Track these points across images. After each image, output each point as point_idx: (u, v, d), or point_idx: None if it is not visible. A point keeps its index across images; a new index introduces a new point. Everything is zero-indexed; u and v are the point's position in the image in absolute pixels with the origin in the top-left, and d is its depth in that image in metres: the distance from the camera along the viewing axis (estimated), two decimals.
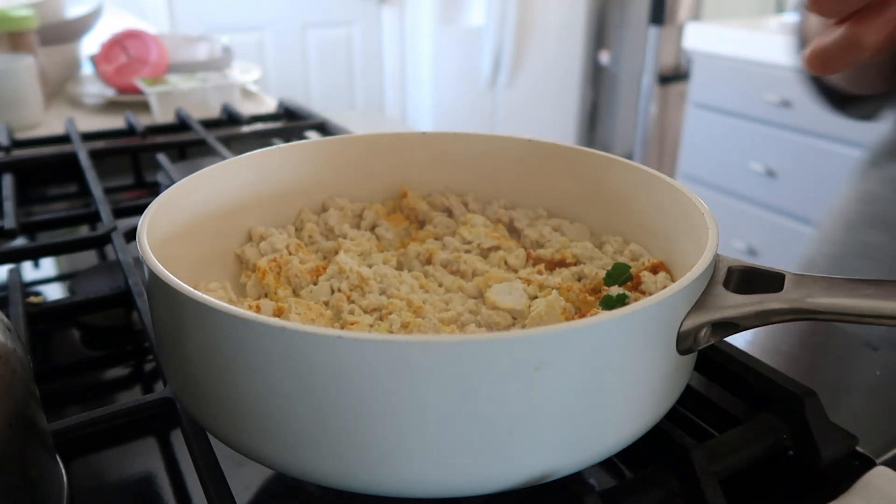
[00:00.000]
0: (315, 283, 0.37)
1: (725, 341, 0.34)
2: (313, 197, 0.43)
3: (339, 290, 0.36)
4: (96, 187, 0.58)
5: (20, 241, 0.53)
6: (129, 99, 1.00)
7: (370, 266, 0.38)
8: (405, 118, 2.91)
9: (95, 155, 0.68)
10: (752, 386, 0.33)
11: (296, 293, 0.37)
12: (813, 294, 0.27)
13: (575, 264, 0.38)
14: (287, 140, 0.75)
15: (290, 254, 0.39)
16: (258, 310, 0.34)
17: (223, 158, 0.52)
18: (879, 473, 0.31)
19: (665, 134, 2.42)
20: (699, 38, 1.87)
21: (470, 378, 0.23)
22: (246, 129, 0.83)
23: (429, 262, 0.39)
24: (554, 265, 0.38)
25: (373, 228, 0.43)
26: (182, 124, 0.83)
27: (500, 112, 2.80)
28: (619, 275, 0.35)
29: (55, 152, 0.70)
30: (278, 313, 0.34)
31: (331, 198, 0.43)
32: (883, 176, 0.60)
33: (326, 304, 0.36)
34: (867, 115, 0.60)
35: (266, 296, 0.37)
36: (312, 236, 0.41)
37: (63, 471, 0.31)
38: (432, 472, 0.24)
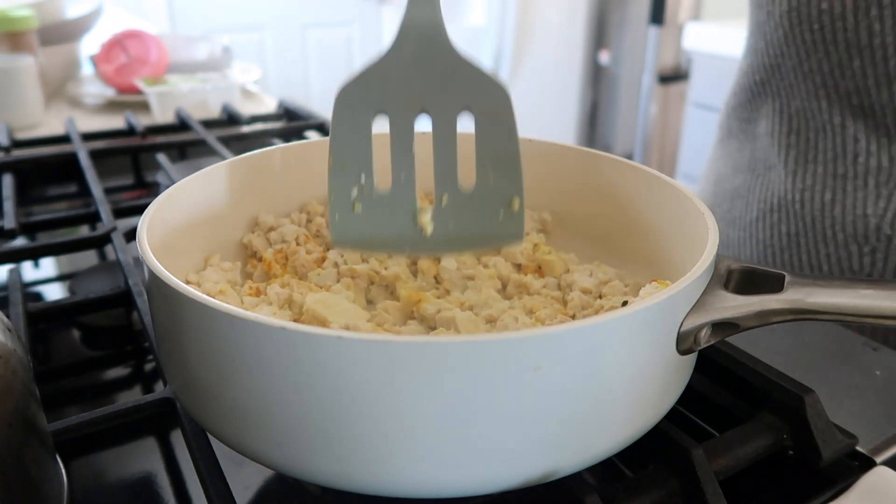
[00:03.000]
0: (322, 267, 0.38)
1: (725, 341, 0.34)
2: (314, 196, 0.43)
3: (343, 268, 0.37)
4: (96, 187, 0.58)
5: (20, 241, 0.53)
6: (129, 99, 1.00)
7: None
8: None
9: (95, 155, 0.68)
10: (752, 386, 0.33)
11: (302, 280, 0.38)
12: (813, 294, 0.27)
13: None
14: (287, 140, 0.75)
15: (297, 244, 0.39)
16: (258, 293, 0.35)
17: (223, 159, 0.52)
18: (879, 473, 0.31)
19: (665, 134, 2.42)
20: (699, 38, 1.87)
21: (470, 378, 0.23)
22: (246, 129, 0.83)
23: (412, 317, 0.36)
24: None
25: None
26: (182, 124, 0.83)
27: None
28: None
29: (55, 152, 0.70)
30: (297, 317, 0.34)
31: None
32: (724, 151, 0.71)
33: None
34: None
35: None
36: (320, 230, 0.41)
37: (63, 471, 0.31)
38: (432, 472, 0.24)
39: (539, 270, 0.39)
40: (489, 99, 0.32)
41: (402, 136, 0.32)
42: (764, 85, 0.63)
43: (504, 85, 0.32)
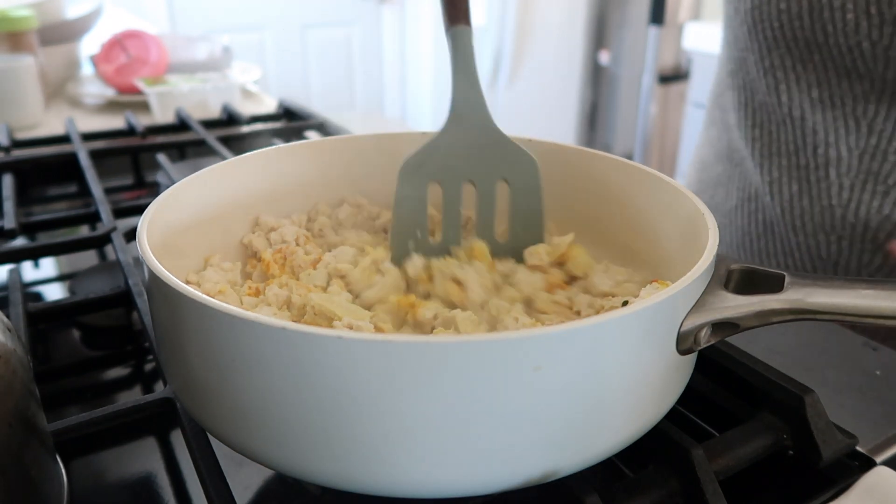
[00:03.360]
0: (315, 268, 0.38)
1: (725, 341, 0.34)
2: (313, 197, 0.43)
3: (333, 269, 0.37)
4: (96, 187, 0.58)
5: (20, 241, 0.53)
6: (129, 99, 1.00)
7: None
8: (405, 118, 2.91)
9: (95, 155, 0.68)
10: (752, 386, 0.33)
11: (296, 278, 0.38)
12: (813, 294, 0.27)
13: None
14: (287, 140, 0.75)
15: (297, 245, 0.39)
16: (258, 293, 0.35)
17: (223, 159, 0.52)
18: (879, 473, 0.31)
19: (665, 134, 2.42)
20: (699, 38, 1.87)
21: (470, 378, 0.23)
22: (246, 129, 0.83)
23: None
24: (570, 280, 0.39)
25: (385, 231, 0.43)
26: (182, 124, 0.83)
27: (500, 112, 2.80)
28: None
29: (55, 152, 0.70)
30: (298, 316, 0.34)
31: (352, 194, 0.43)
32: (707, 139, 0.75)
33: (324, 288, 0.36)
34: None
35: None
36: (323, 230, 0.41)
37: (63, 471, 0.31)
38: (432, 472, 0.24)
39: (563, 285, 0.38)
40: (522, 169, 0.38)
41: (451, 201, 0.38)
42: (732, 77, 0.65)
43: (534, 158, 0.38)
